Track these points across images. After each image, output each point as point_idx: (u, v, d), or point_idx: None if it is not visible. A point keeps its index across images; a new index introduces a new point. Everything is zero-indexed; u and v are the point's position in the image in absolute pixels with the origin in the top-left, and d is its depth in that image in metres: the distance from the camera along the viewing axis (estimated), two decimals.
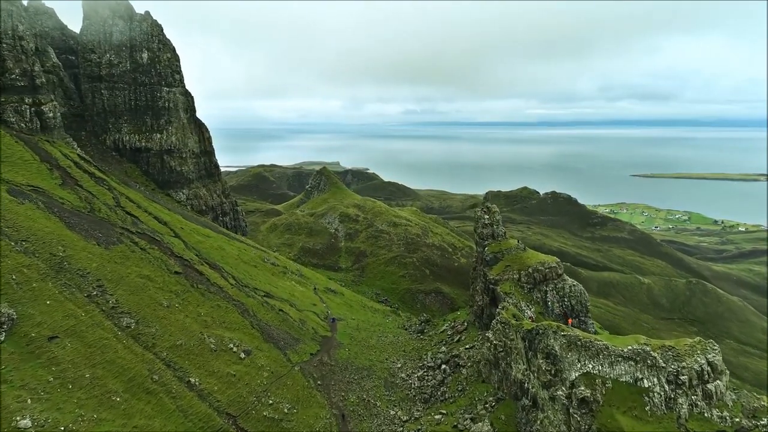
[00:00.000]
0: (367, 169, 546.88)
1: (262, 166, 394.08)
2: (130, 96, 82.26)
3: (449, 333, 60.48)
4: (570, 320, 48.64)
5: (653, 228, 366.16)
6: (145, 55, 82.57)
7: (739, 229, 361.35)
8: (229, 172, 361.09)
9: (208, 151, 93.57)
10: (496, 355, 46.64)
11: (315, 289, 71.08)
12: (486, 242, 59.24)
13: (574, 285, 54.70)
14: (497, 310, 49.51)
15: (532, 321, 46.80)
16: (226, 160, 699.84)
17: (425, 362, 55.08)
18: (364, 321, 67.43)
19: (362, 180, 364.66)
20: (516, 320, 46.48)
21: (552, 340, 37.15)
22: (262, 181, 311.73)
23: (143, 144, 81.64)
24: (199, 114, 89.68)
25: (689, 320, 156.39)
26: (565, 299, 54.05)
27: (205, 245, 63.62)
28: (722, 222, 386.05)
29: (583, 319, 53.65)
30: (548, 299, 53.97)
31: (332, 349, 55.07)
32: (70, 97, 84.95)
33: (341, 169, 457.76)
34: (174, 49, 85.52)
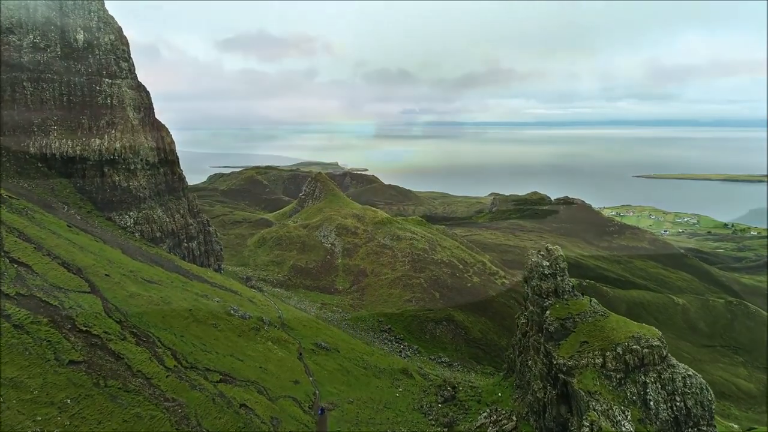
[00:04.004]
0: (366, 170, 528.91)
1: (257, 168, 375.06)
2: (62, 90, 63.07)
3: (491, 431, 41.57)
4: None
5: (662, 232, 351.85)
6: (80, 37, 63.39)
7: (751, 233, 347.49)
8: (222, 175, 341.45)
9: (169, 161, 74.31)
10: None
11: (300, 353, 52.09)
12: (547, 302, 40.26)
13: (688, 375, 35.87)
14: (582, 427, 30.57)
15: None
16: (222, 161, 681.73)
17: None
18: (366, 401, 48.48)
19: (361, 183, 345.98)
20: None
21: None
22: (255, 186, 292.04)
23: (78, 152, 62.45)
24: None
25: (733, 348, 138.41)
26: (677, 397, 35.23)
27: (140, 301, 44.54)
28: (733, 225, 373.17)
29: (704, 429, 34.87)
30: (649, 396, 35.17)
31: None
32: None
33: (340, 171, 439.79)
34: (120, 30, 66.28)
